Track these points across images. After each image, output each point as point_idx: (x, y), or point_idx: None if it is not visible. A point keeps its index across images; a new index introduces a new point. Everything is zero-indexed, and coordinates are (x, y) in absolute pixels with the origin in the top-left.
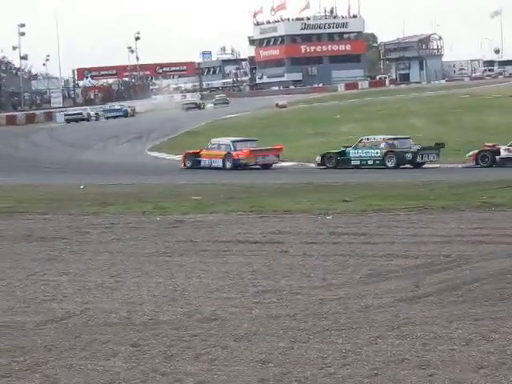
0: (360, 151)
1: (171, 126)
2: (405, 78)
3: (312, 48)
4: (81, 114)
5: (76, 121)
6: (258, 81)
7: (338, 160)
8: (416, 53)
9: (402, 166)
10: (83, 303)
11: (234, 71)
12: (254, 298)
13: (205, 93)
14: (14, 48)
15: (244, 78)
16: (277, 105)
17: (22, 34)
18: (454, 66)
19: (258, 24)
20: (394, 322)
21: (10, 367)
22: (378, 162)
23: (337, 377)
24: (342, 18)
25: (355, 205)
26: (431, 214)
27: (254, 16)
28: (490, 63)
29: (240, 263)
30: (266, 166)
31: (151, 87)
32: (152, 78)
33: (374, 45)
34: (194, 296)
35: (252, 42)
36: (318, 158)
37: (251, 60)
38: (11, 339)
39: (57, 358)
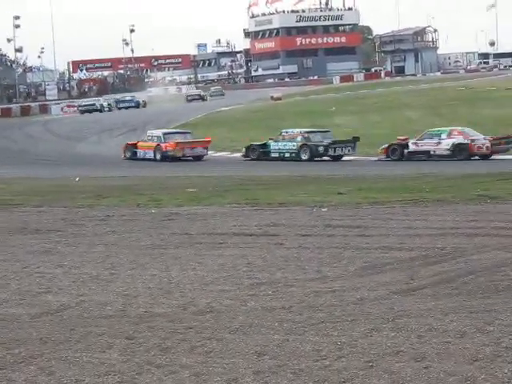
0: (279, 144)
1: (166, 118)
2: (400, 71)
3: (307, 40)
4: (94, 104)
5: (90, 112)
6: (253, 73)
7: (260, 152)
8: (411, 45)
9: (318, 159)
10: (78, 295)
11: (229, 64)
12: (249, 290)
13: (200, 85)
14: (9, 40)
15: (239, 71)
16: (272, 97)
17: (17, 26)
18: (449, 58)
19: (253, 16)
20: (389, 315)
21: (5, 359)
22: (293, 154)
23: (332, 369)
24: (338, 10)
25: (350, 197)
26: (426, 206)
27: (249, 8)
28: (485, 56)
29: (235, 256)
30: (198, 158)
31: (146, 80)
32: (147, 70)
33: (370, 37)
34: (189, 288)
35: (247, 34)
36: (244, 150)
37: (246, 52)
38: (6, 332)
39: (52, 350)
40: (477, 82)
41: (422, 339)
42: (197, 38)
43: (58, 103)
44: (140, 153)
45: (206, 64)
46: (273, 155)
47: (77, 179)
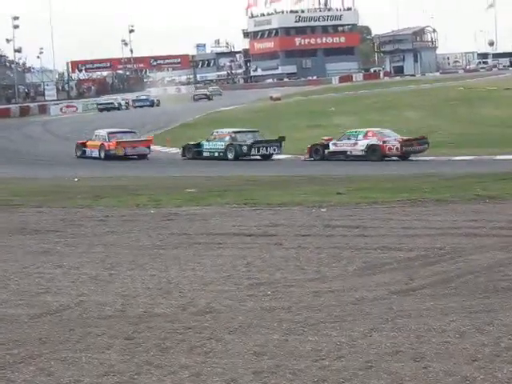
0: (211, 144)
1: (165, 118)
2: (399, 71)
3: (306, 41)
4: (112, 103)
5: (108, 110)
6: (252, 73)
7: (194, 151)
8: (410, 45)
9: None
10: (77, 296)
11: (228, 64)
12: (249, 290)
13: (199, 85)
14: (8, 41)
15: (238, 71)
16: (271, 97)
17: (16, 26)
18: (448, 58)
19: (252, 17)
20: (388, 315)
21: (4, 360)
22: (221, 154)
23: (331, 369)
24: (337, 10)
25: (349, 197)
26: (425, 206)
27: (247, 8)
28: (484, 56)
29: (234, 256)
30: (141, 157)
31: (145, 80)
32: (146, 70)
33: (369, 37)
34: (188, 289)
35: (246, 34)
36: (181, 149)
37: (245, 53)
38: (5, 332)
39: (51, 350)
40: (476, 82)
41: (421, 339)
42: (196, 39)
43: (57, 104)
44: (88, 151)
45: (205, 64)
46: (205, 154)
47: (76, 179)
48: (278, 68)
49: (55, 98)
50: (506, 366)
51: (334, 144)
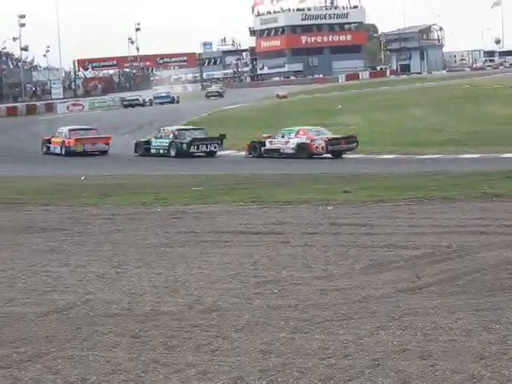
0: (157, 141)
1: (173, 116)
2: (405, 69)
3: (313, 39)
4: (137, 99)
5: (132, 106)
6: (258, 71)
7: (144, 148)
8: (417, 43)
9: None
10: (84, 294)
11: (234, 62)
12: (255, 288)
13: (206, 83)
14: (15, 39)
15: (245, 69)
16: (277, 95)
17: (23, 25)
18: (454, 56)
19: (258, 15)
20: (394, 313)
21: (11, 358)
22: (165, 151)
23: (338, 367)
24: (343, 8)
25: (356, 196)
26: (432, 204)
27: (254, 7)
28: (491, 54)
29: (241, 254)
30: (102, 153)
31: (152, 78)
32: (153, 68)
33: (375, 35)
34: (194, 287)
35: (253, 32)
36: (134, 146)
37: (252, 51)
38: (12, 330)
39: (58, 348)
40: (482, 80)
41: (428, 337)
42: (202, 37)
43: (64, 102)
44: (52, 147)
45: (212, 62)
46: (152, 151)
47: (82, 177)
48: (284, 66)
49: (62, 96)
50: None
51: (270, 142)
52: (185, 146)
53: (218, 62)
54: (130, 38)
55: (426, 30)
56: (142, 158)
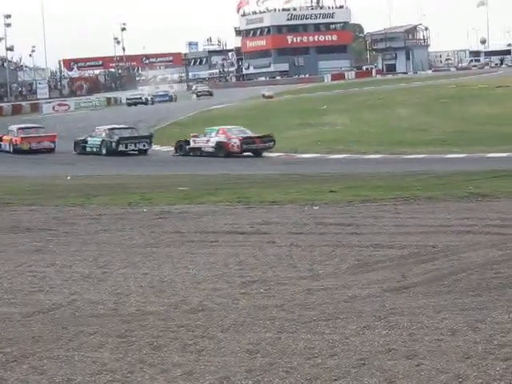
0: (92, 139)
1: (157, 117)
2: (391, 69)
3: (298, 39)
4: (140, 98)
5: (135, 104)
6: (244, 71)
7: (81, 146)
8: (402, 43)
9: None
10: (70, 294)
11: (220, 62)
12: (241, 288)
13: (191, 84)
14: (0, 39)
15: (230, 69)
16: (263, 95)
17: (8, 25)
18: (440, 56)
19: (244, 15)
20: (380, 313)
21: None
22: (98, 149)
23: (324, 367)
24: (329, 8)
25: (342, 195)
26: (417, 204)
27: (239, 7)
28: (477, 54)
29: (227, 254)
30: (49, 151)
31: (138, 78)
32: (138, 68)
33: (361, 35)
34: (180, 287)
35: (238, 32)
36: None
37: (238, 51)
38: None
39: (44, 349)
40: (468, 80)
41: (414, 337)
42: (188, 37)
43: (50, 102)
44: (2, 145)
45: (198, 62)
46: (87, 150)
47: (68, 177)
48: (270, 66)
49: (47, 96)
50: (498, 363)
51: (194, 141)
52: (114, 144)
53: (203, 62)
54: (115, 38)
55: (412, 30)
56: (78, 156)
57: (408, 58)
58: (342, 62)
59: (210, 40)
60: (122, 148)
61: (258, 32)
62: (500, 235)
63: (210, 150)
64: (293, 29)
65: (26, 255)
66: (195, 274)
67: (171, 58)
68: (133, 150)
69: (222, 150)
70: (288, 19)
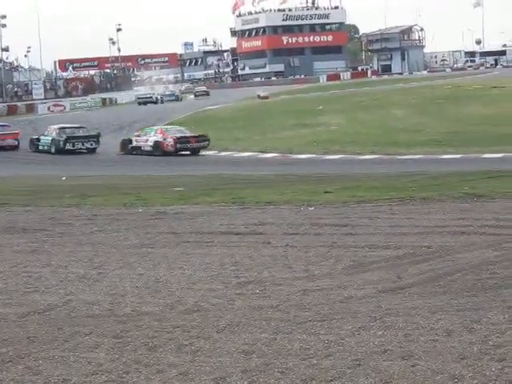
0: (44, 138)
1: (154, 117)
2: (387, 69)
3: (294, 39)
4: (151, 97)
5: (145, 103)
6: (240, 72)
7: (35, 145)
8: (398, 44)
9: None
10: (66, 295)
11: (215, 62)
12: (237, 289)
13: (186, 84)
14: None
15: (226, 70)
16: (259, 96)
17: (3, 25)
18: (435, 56)
19: (239, 15)
20: (376, 313)
21: None
22: (48, 147)
23: (319, 367)
24: (324, 9)
25: (337, 196)
26: (413, 204)
27: (234, 7)
28: (472, 54)
29: (222, 254)
30: (13, 148)
31: (133, 79)
32: (134, 69)
33: (356, 36)
34: (176, 287)
35: (234, 33)
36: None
37: (233, 51)
38: None
39: (39, 349)
40: (463, 81)
41: (410, 337)
42: (183, 37)
43: (45, 102)
44: None
45: (193, 63)
46: (40, 148)
47: (63, 178)
48: (265, 67)
49: (43, 96)
50: (493, 363)
51: (136, 140)
52: (62, 143)
53: (199, 63)
54: (111, 39)
55: (407, 31)
56: (33, 154)
57: (403, 59)
58: (337, 63)
59: (205, 40)
60: (69, 147)
61: (254, 32)
62: (495, 236)
63: (149, 148)
64: (288, 29)
65: (22, 256)
66: (191, 275)
67: (166, 59)
68: (80, 148)
69: (158, 150)
70: (283, 20)
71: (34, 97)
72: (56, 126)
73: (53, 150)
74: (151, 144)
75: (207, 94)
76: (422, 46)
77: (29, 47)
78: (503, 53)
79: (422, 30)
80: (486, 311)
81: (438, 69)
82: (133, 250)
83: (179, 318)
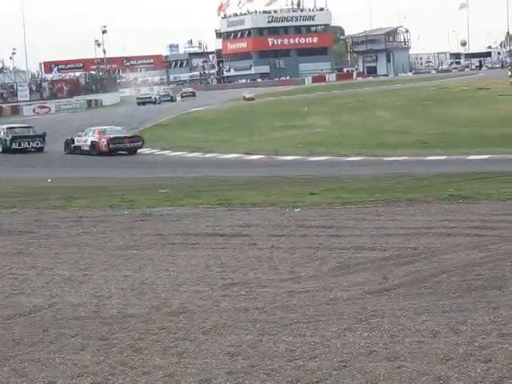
0: None
1: (138, 119)
2: (372, 71)
3: (279, 41)
4: (150, 97)
5: (144, 104)
6: (225, 74)
7: None
8: (383, 45)
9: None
10: (51, 297)
11: (201, 64)
12: (222, 290)
13: (172, 86)
14: None
15: (211, 71)
16: (244, 97)
17: None
18: (420, 58)
19: (224, 17)
20: (362, 315)
21: None
22: None
23: (305, 369)
24: (309, 10)
25: (323, 197)
26: (398, 206)
27: (220, 9)
28: (457, 56)
29: (208, 256)
30: None
31: (118, 80)
32: (119, 71)
33: (342, 38)
34: (162, 289)
35: (219, 34)
36: None
37: (218, 53)
38: None
39: (25, 351)
40: (449, 82)
41: (395, 339)
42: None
43: (30, 104)
44: None
45: (178, 65)
46: None
47: (48, 180)
48: (251, 68)
49: (28, 98)
50: (479, 365)
51: (77, 140)
52: (8, 142)
53: (184, 65)
54: (96, 41)
55: (393, 33)
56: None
57: (389, 61)
58: (322, 65)
59: (190, 42)
60: (15, 146)
61: (239, 34)
62: (480, 237)
63: (87, 148)
64: (274, 31)
65: (7, 258)
66: (176, 277)
67: (152, 61)
68: (27, 147)
69: (94, 149)
70: (269, 21)
71: (20, 99)
72: (4, 126)
73: (0, 149)
74: (89, 144)
75: (194, 95)
76: (408, 48)
77: (14, 49)
78: (488, 54)
79: (407, 31)
80: (471, 312)
81: (424, 70)
82: (118, 252)
83: (165, 320)
